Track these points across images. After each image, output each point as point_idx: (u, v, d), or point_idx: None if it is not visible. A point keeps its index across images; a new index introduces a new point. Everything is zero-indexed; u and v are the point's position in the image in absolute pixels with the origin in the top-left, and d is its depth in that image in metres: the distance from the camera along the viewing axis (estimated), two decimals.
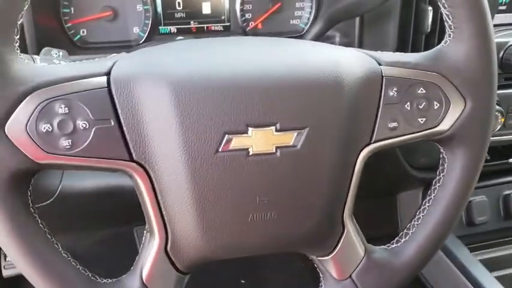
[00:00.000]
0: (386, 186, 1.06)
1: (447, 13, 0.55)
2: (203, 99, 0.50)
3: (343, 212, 0.57)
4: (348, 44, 0.90)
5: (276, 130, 0.51)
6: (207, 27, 0.96)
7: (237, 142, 0.50)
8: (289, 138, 0.52)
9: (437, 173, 0.61)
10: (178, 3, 0.94)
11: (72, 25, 0.89)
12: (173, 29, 0.95)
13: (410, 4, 0.84)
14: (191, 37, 0.94)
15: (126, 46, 0.92)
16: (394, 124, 0.56)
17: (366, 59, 0.56)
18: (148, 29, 0.93)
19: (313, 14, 0.97)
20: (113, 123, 0.49)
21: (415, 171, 0.97)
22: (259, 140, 0.51)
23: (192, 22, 0.95)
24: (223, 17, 0.96)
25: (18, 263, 0.49)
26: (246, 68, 0.51)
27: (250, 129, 0.51)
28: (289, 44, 0.58)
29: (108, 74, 0.50)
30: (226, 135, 0.50)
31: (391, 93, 0.55)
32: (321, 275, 0.62)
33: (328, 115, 0.53)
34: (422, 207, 0.61)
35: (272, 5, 0.96)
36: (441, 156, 0.61)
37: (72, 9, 0.88)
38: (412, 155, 0.95)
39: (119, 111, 0.49)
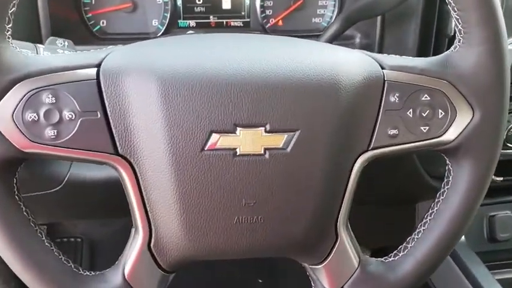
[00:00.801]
0: (404, 195, 1.02)
1: (457, 17, 0.51)
2: (190, 96, 0.48)
3: (337, 220, 0.54)
4: (368, 45, 0.87)
5: (265, 131, 0.49)
6: (226, 22, 0.95)
7: (224, 141, 0.49)
8: (279, 140, 0.50)
9: (442, 185, 0.58)
10: None
11: (92, 16, 0.90)
12: (192, 23, 0.94)
13: (433, 5, 0.79)
14: (208, 32, 0.94)
15: (145, 38, 0.91)
16: (395, 131, 0.53)
17: (368, 62, 0.53)
18: (167, 22, 0.92)
19: (335, 13, 0.94)
20: (99, 116, 0.49)
21: (434, 180, 0.92)
22: (247, 141, 0.49)
23: (211, 17, 0.94)
24: (243, 13, 0.95)
25: (0, 250, 0.50)
26: (237, 65, 0.50)
27: (238, 129, 0.49)
28: (287, 43, 0.56)
29: (98, 66, 0.50)
30: (213, 134, 0.49)
31: (392, 99, 0.52)
32: (312, 284, 0.60)
33: (322, 118, 0.50)
34: (423, 221, 0.58)
35: (294, 2, 0.93)
36: (447, 167, 0.57)
37: (92, 0, 0.89)
38: (430, 164, 0.90)
39: (106, 103, 0.49)
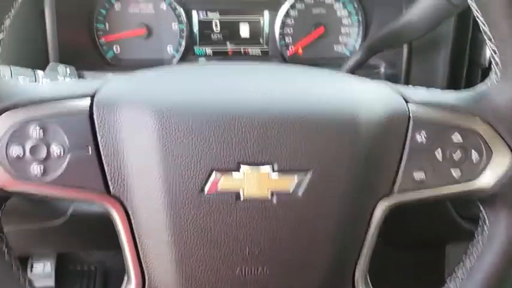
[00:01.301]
0: (433, 237, 0.94)
1: (494, 48, 0.45)
2: (190, 130, 0.44)
3: (354, 272, 0.48)
4: (393, 75, 0.82)
5: (273, 171, 0.44)
6: (244, 50, 0.91)
7: (225, 182, 0.44)
8: (288, 182, 0.44)
9: (475, 234, 0.51)
10: (216, 24, 0.89)
11: (105, 41, 0.88)
12: (209, 50, 0.91)
13: (465, 33, 0.73)
14: (225, 59, 0.90)
15: (159, 65, 0.88)
16: (421, 175, 0.46)
17: (391, 95, 0.48)
18: (183, 49, 0.89)
19: (359, 41, 0.89)
20: (90, 151, 0.44)
21: (465, 222, 0.85)
22: (252, 182, 0.44)
23: (228, 44, 0.91)
24: (261, 41, 0.91)
25: None
26: (242, 97, 0.45)
27: (242, 167, 0.44)
28: (300, 73, 0.51)
29: (92, 96, 0.46)
30: (214, 173, 0.44)
31: (419, 138, 0.46)
32: None
33: (338, 158, 0.45)
34: (453, 276, 0.51)
35: (315, 30, 0.89)
36: (481, 216, 0.50)
37: (106, 25, 0.87)
38: (462, 204, 0.83)
39: (99, 138, 0.45)
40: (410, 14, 0.69)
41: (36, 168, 0.44)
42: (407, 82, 0.79)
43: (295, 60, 0.90)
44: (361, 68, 0.79)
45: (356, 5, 0.88)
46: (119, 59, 0.89)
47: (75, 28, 0.83)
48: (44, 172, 0.44)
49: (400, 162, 0.46)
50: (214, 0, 0.88)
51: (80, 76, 0.76)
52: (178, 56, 0.89)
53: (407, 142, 0.46)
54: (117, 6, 0.87)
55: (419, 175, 0.47)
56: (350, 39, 0.90)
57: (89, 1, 0.85)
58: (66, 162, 0.44)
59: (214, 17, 0.89)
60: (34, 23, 0.75)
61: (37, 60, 0.74)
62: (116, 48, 0.88)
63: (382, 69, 0.84)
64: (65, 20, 0.79)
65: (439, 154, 0.47)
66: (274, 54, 0.91)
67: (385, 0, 0.85)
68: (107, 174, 0.45)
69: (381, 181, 0.46)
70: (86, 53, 0.85)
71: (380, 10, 0.86)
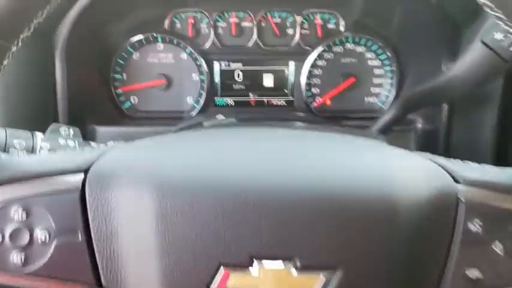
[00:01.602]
0: None
1: None
2: (193, 215, 0.37)
3: None
4: (431, 132, 0.74)
5: (294, 268, 0.36)
6: (267, 101, 0.85)
7: (236, 281, 0.37)
8: (313, 282, 0.37)
9: None
10: (238, 74, 0.84)
11: (122, 92, 0.83)
12: (230, 101, 0.85)
13: None
14: (248, 109, 0.84)
15: (178, 117, 0.84)
16: (476, 273, 0.38)
17: (436, 173, 0.40)
18: (203, 100, 0.84)
19: (393, 92, 0.82)
20: (80, 237, 0.38)
21: None
22: (269, 281, 0.37)
23: (251, 95, 0.85)
24: (286, 91, 0.85)
25: None
26: (255, 174, 0.38)
27: (256, 263, 0.37)
28: (326, 143, 0.44)
29: (86, 170, 0.40)
30: (222, 268, 0.37)
31: (472, 227, 0.38)
32: None
33: (373, 253, 0.37)
34: None
35: (343, 80, 0.83)
36: None
37: (124, 75, 0.83)
38: None
39: (90, 221, 0.38)
40: (455, 70, 0.62)
41: (16, 257, 0.38)
42: (447, 141, 0.71)
43: (322, 111, 0.84)
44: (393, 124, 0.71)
45: (389, 54, 0.82)
46: (136, 110, 0.84)
47: (89, 79, 0.79)
48: (25, 261, 0.38)
49: (447, 258, 0.38)
50: (237, 51, 0.83)
51: (91, 132, 0.72)
52: (198, 108, 0.84)
53: (458, 232, 0.38)
54: (136, 56, 0.83)
55: (473, 273, 0.38)
56: (383, 90, 0.83)
57: (106, 51, 0.81)
58: (51, 250, 0.38)
59: (237, 67, 0.84)
60: (42, 76, 0.71)
61: (45, 115, 0.70)
62: (134, 99, 0.84)
63: (419, 125, 0.77)
64: (78, 70, 0.75)
65: (497, 247, 0.38)
66: (299, 105, 0.85)
67: (421, 48, 0.78)
68: (98, 264, 0.39)
69: (425, 280, 0.38)
70: (101, 105, 0.81)
71: (416, 60, 0.80)
